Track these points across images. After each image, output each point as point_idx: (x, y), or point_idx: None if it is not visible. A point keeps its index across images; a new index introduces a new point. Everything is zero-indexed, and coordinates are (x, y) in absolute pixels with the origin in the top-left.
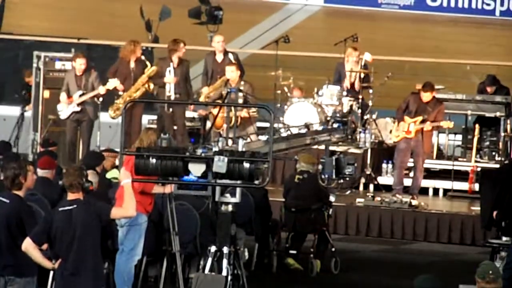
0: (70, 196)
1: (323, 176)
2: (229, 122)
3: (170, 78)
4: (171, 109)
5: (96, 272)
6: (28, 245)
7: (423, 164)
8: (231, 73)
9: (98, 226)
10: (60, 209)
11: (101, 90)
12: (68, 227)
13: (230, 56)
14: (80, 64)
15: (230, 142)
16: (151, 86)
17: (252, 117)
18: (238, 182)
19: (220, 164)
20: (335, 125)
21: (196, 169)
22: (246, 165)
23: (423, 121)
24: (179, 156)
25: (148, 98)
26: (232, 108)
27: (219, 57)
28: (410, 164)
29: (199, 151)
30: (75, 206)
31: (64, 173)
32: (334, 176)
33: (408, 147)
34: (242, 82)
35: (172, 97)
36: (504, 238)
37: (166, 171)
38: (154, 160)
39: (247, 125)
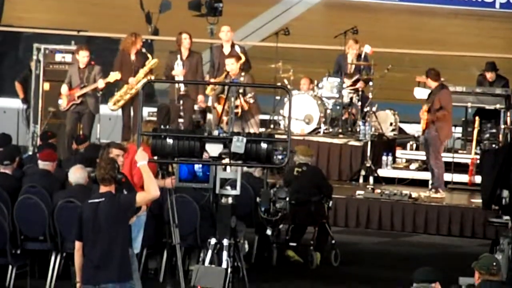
0: (102, 188)
1: (263, 209)
2: (232, 113)
3: (178, 71)
4: (181, 101)
5: (122, 266)
6: (76, 247)
7: (435, 156)
8: (231, 65)
9: (124, 220)
10: (90, 201)
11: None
12: (93, 219)
13: (237, 48)
14: (83, 56)
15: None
16: (152, 78)
17: (253, 109)
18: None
19: (239, 144)
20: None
21: (213, 149)
22: (264, 145)
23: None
24: (197, 137)
25: (149, 92)
26: (232, 99)
27: (226, 50)
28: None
29: (215, 132)
30: (103, 199)
31: (96, 166)
32: (271, 210)
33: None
34: (243, 73)
35: (182, 89)
36: (504, 217)
37: (183, 152)
38: (171, 141)
39: (248, 117)
